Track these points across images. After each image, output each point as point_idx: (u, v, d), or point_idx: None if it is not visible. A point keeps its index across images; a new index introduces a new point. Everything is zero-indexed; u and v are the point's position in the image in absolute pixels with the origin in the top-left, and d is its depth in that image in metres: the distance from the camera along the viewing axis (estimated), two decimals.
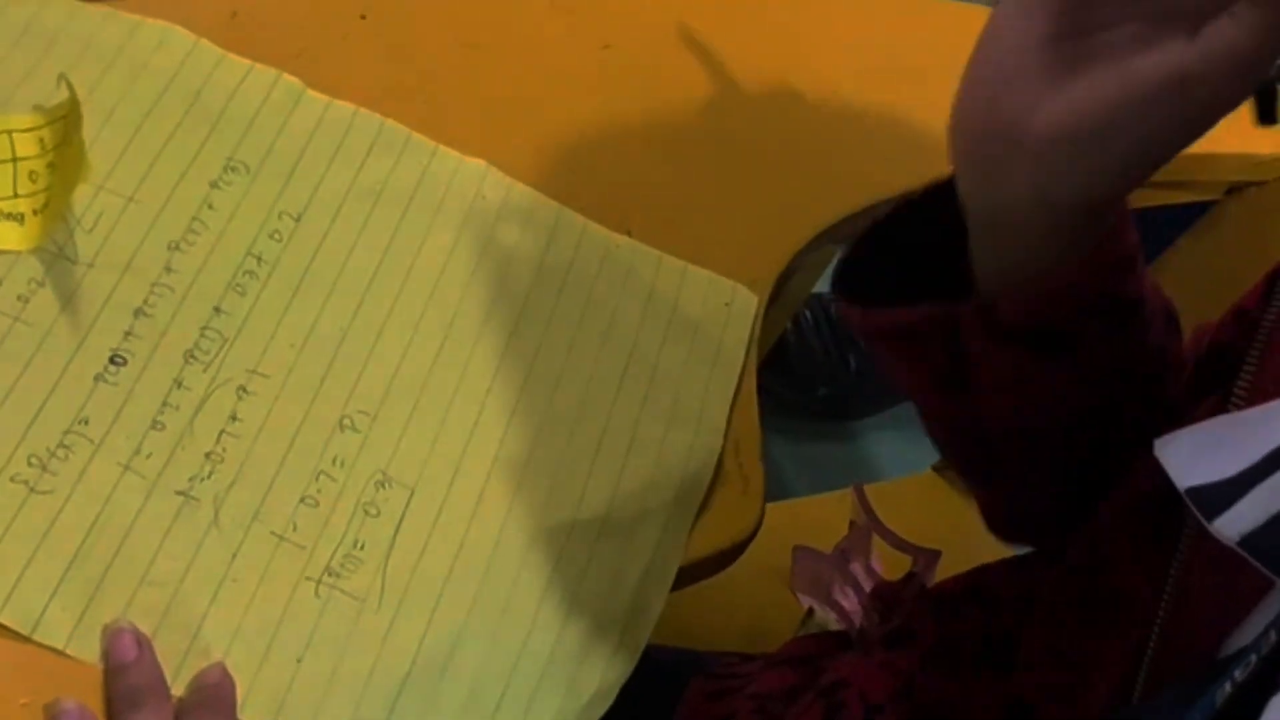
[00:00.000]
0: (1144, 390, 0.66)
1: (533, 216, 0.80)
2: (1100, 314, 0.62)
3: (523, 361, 0.75)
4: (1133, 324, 0.63)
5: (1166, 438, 0.49)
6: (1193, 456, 0.47)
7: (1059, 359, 0.62)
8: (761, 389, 0.80)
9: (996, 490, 0.74)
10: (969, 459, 0.73)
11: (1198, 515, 0.45)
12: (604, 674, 0.68)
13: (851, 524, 0.93)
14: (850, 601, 0.89)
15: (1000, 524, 0.76)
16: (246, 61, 0.79)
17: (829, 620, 1.00)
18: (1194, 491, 0.46)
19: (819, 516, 1.13)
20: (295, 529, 0.67)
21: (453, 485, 0.70)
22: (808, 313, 1.58)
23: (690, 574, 0.73)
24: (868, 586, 0.88)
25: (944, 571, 0.88)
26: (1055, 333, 0.61)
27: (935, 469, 1.16)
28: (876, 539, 0.89)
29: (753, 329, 0.81)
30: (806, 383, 1.59)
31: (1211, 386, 0.63)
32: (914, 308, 0.63)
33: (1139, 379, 0.66)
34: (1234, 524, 0.44)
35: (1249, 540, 0.44)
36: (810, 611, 1.01)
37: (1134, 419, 0.66)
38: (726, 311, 0.80)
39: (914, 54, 0.96)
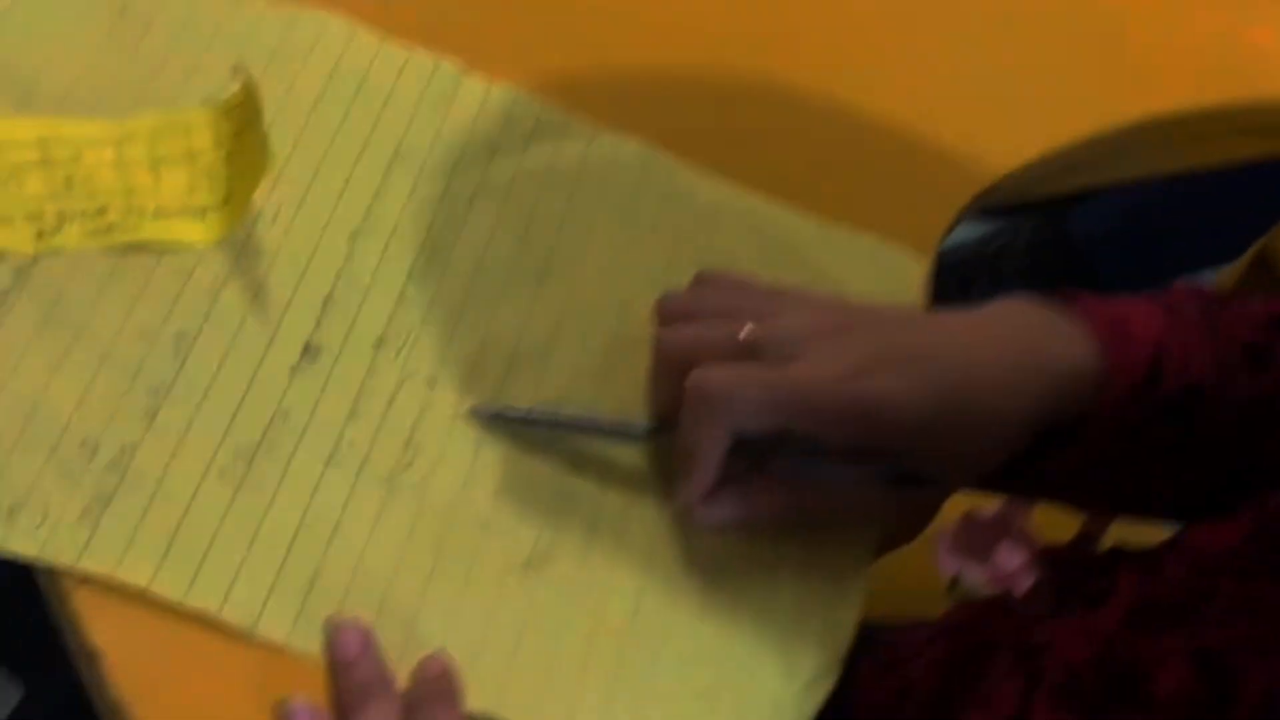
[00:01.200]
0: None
1: (694, 196, 0.79)
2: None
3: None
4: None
5: None
6: None
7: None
8: None
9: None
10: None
11: None
12: (821, 648, 0.68)
13: None
14: (1012, 565, 0.88)
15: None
16: (404, 49, 0.78)
17: (977, 585, 1.00)
18: None
19: None
20: (498, 516, 0.67)
21: (648, 464, 0.70)
22: None
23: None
24: (1029, 550, 0.87)
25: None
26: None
27: None
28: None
29: (923, 297, 0.80)
30: None
31: None
32: None
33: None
34: None
35: None
36: (955, 578, 1.01)
37: None
38: (891, 281, 0.79)
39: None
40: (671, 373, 0.66)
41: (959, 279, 1.59)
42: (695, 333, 0.67)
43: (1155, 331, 0.68)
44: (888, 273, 0.80)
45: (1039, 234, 1.58)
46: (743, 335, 0.65)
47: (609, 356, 0.72)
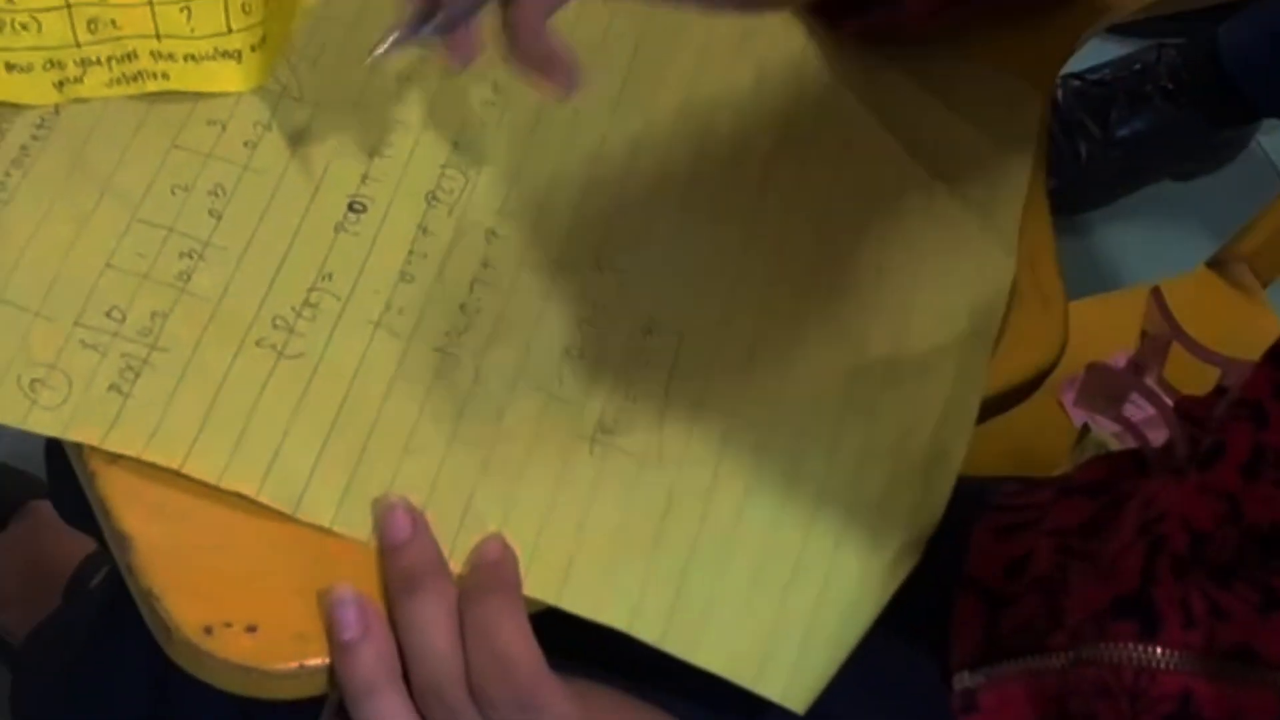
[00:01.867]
0: None
1: (790, 31, 0.71)
2: None
3: (787, 186, 0.67)
4: None
5: None
6: None
7: None
8: None
9: None
10: None
11: None
12: (907, 529, 0.62)
13: (1144, 334, 0.84)
14: (1146, 418, 0.81)
15: None
16: None
17: (1107, 438, 0.93)
18: None
19: (1076, 322, 1.05)
20: (562, 383, 0.61)
21: (725, 327, 0.64)
22: None
23: (990, 409, 0.66)
24: (1162, 401, 0.80)
25: None
26: None
27: (1211, 265, 1.06)
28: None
29: (1040, 127, 0.72)
30: None
31: None
32: None
33: None
34: None
35: None
36: (1085, 429, 0.94)
37: None
38: (1008, 114, 0.71)
39: None
40: None
41: (1099, 100, 1.49)
42: None
43: None
44: (1003, 103, 0.71)
45: (1185, 54, 1.48)
46: None
47: (688, 192, 0.66)
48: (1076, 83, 1.50)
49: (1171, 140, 1.50)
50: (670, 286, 0.64)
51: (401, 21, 0.56)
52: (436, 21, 0.55)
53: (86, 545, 1.15)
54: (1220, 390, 0.78)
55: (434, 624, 0.55)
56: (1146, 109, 1.49)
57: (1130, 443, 0.89)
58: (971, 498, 0.81)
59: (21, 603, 1.17)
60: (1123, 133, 1.49)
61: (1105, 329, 1.00)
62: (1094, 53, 1.49)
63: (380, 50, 0.56)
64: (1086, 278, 1.51)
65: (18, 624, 1.15)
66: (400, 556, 0.56)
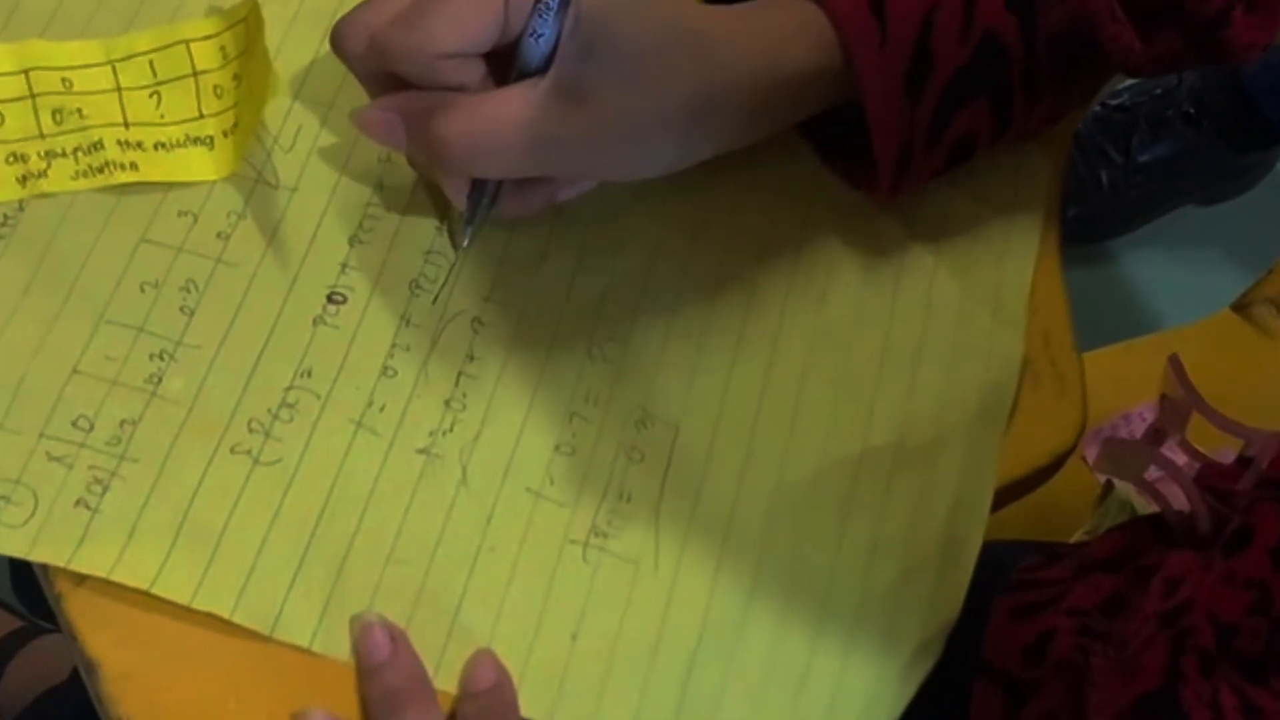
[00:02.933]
0: None
1: None
2: None
3: (784, 269, 0.64)
4: None
5: None
6: None
7: None
8: None
9: None
10: None
11: None
12: (924, 624, 0.59)
13: (1163, 398, 0.81)
14: (1162, 479, 0.78)
15: None
16: None
17: (1131, 494, 0.89)
18: None
19: (1100, 373, 1.01)
20: (552, 483, 0.58)
21: (721, 418, 0.61)
22: None
23: (1006, 495, 0.63)
24: (1185, 467, 0.76)
25: None
26: None
27: (1235, 309, 1.02)
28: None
29: (1050, 193, 0.69)
30: None
31: None
32: None
33: None
34: None
35: None
36: (1109, 485, 0.90)
37: None
38: (1014, 186, 0.68)
39: None
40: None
41: (1120, 126, 1.46)
42: None
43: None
44: (1010, 171, 0.68)
45: (1206, 78, 1.45)
46: None
47: (683, 279, 0.63)
48: (1097, 109, 1.47)
49: (1194, 165, 1.47)
50: (665, 376, 0.61)
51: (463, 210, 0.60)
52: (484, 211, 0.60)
53: None
54: (1244, 461, 0.74)
55: None
56: (1168, 134, 1.46)
57: (1155, 503, 0.86)
58: (988, 567, 0.78)
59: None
60: (1145, 159, 1.46)
61: (1130, 378, 0.97)
62: (1114, 78, 1.46)
63: (465, 244, 0.61)
64: (1110, 307, 1.48)
65: (23, 688, 1.12)
66: (380, 678, 0.53)
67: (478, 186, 0.59)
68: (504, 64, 0.57)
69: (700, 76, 0.58)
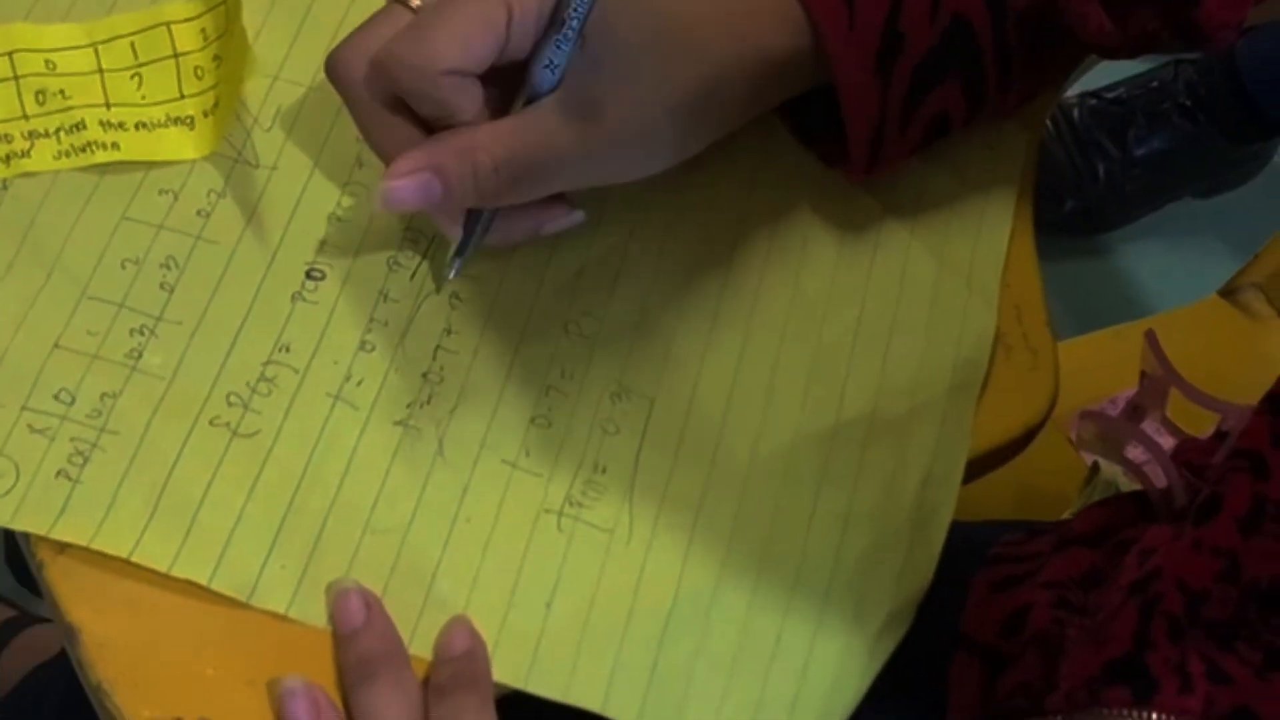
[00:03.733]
0: None
1: None
2: None
3: (760, 245, 0.65)
4: None
5: None
6: None
7: None
8: None
9: None
10: None
11: None
12: (894, 595, 0.60)
13: (1143, 375, 0.81)
14: (1147, 461, 0.78)
15: None
16: None
17: (1117, 475, 0.90)
18: None
19: (1091, 357, 1.02)
20: (528, 454, 0.59)
21: (696, 392, 0.61)
22: (1049, 121, 1.45)
23: (977, 468, 0.63)
24: (1166, 444, 0.77)
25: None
26: None
27: (1224, 294, 1.03)
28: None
29: (1025, 170, 0.69)
30: (1051, 196, 1.46)
31: None
32: None
33: None
34: None
35: None
36: (1095, 467, 0.91)
37: None
38: (991, 156, 0.68)
39: None
40: None
41: (1117, 119, 1.47)
42: None
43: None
44: (980, 144, 0.69)
45: (1202, 70, 1.45)
46: None
47: (661, 255, 0.64)
48: (1093, 101, 1.48)
49: (1191, 158, 1.47)
50: (641, 351, 0.62)
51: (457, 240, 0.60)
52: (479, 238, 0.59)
53: None
54: (1221, 435, 0.75)
55: (391, 715, 0.53)
56: (1165, 127, 1.46)
57: (1139, 482, 0.86)
58: (971, 546, 0.79)
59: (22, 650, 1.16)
60: (1141, 151, 1.47)
61: (1120, 361, 0.97)
62: (1110, 71, 1.46)
63: (452, 275, 0.60)
64: (1107, 300, 1.49)
65: (16, 668, 1.13)
66: (355, 644, 0.54)
67: (472, 218, 0.59)
68: (500, 85, 0.57)
69: (698, 67, 0.59)
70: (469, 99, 0.56)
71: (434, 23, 0.55)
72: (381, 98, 0.57)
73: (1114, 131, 1.47)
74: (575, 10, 0.54)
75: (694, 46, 0.59)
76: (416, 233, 0.62)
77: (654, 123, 0.58)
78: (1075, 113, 1.46)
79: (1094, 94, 1.49)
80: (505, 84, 0.57)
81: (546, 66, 0.55)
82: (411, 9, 0.57)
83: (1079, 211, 1.48)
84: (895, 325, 0.64)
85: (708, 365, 0.62)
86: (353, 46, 0.57)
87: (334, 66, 0.58)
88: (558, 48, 0.55)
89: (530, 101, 0.56)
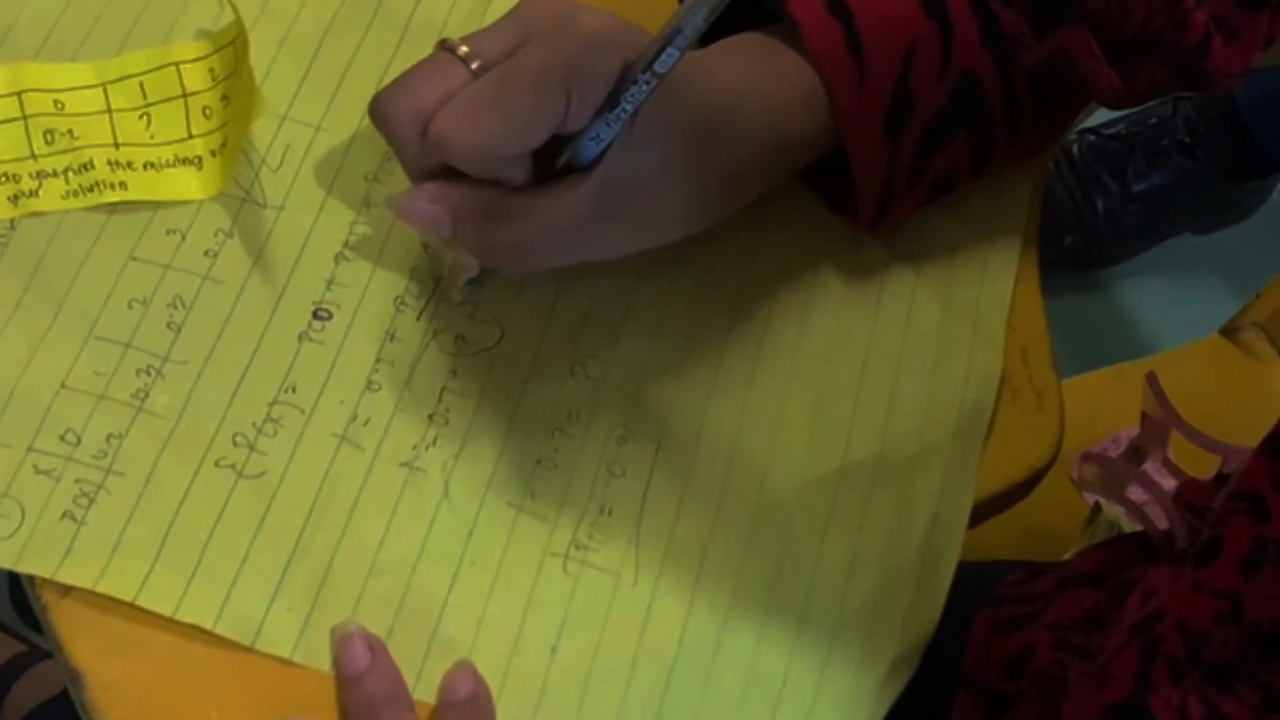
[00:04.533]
0: None
1: None
2: None
3: (766, 287, 0.65)
4: None
5: None
6: None
7: None
8: None
9: None
10: None
11: None
12: (901, 638, 0.60)
13: (1144, 416, 0.82)
14: (1149, 502, 0.78)
15: None
16: None
17: (1119, 516, 0.90)
18: None
19: (1091, 396, 1.02)
20: (533, 497, 0.59)
21: (701, 435, 0.61)
22: None
23: (983, 511, 0.64)
24: (1167, 485, 0.77)
25: None
26: None
27: (1225, 333, 1.03)
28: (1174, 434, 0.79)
29: (1030, 213, 0.70)
30: (1051, 231, 1.47)
31: None
32: None
33: None
34: None
35: None
36: (1097, 507, 0.91)
37: None
38: (995, 203, 0.69)
39: None
40: None
41: (1116, 155, 1.47)
42: None
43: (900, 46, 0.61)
44: (990, 190, 0.69)
45: (1200, 107, 1.45)
46: None
47: (667, 298, 0.64)
48: (1092, 138, 1.48)
49: (1190, 194, 1.48)
50: (646, 393, 0.62)
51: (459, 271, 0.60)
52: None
53: None
54: (1222, 477, 0.75)
55: None
56: (1164, 163, 1.47)
57: (1140, 523, 0.86)
58: (974, 585, 0.79)
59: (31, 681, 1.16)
60: (1140, 187, 1.47)
61: (1120, 400, 0.98)
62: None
63: (461, 300, 0.61)
64: (1106, 336, 1.49)
65: (22, 706, 1.13)
66: (359, 687, 0.54)
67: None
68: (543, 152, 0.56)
69: (732, 154, 0.60)
70: (518, 171, 0.56)
71: (492, 108, 0.54)
72: (429, 154, 0.56)
73: (1113, 168, 1.47)
74: (631, 97, 0.54)
75: (733, 136, 0.59)
76: (423, 273, 0.62)
77: (684, 206, 0.59)
78: (1075, 149, 1.47)
79: (1093, 130, 1.49)
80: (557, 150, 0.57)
81: (592, 139, 0.55)
82: (459, 57, 0.56)
83: (1078, 247, 1.48)
84: (901, 368, 0.64)
85: (713, 408, 0.62)
86: (402, 96, 0.56)
87: (381, 116, 0.56)
88: (607, 125, 0.54)
89: (567, 165, 0.56)
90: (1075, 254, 1.49)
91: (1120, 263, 1.52)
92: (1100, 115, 1.48)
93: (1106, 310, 1.52)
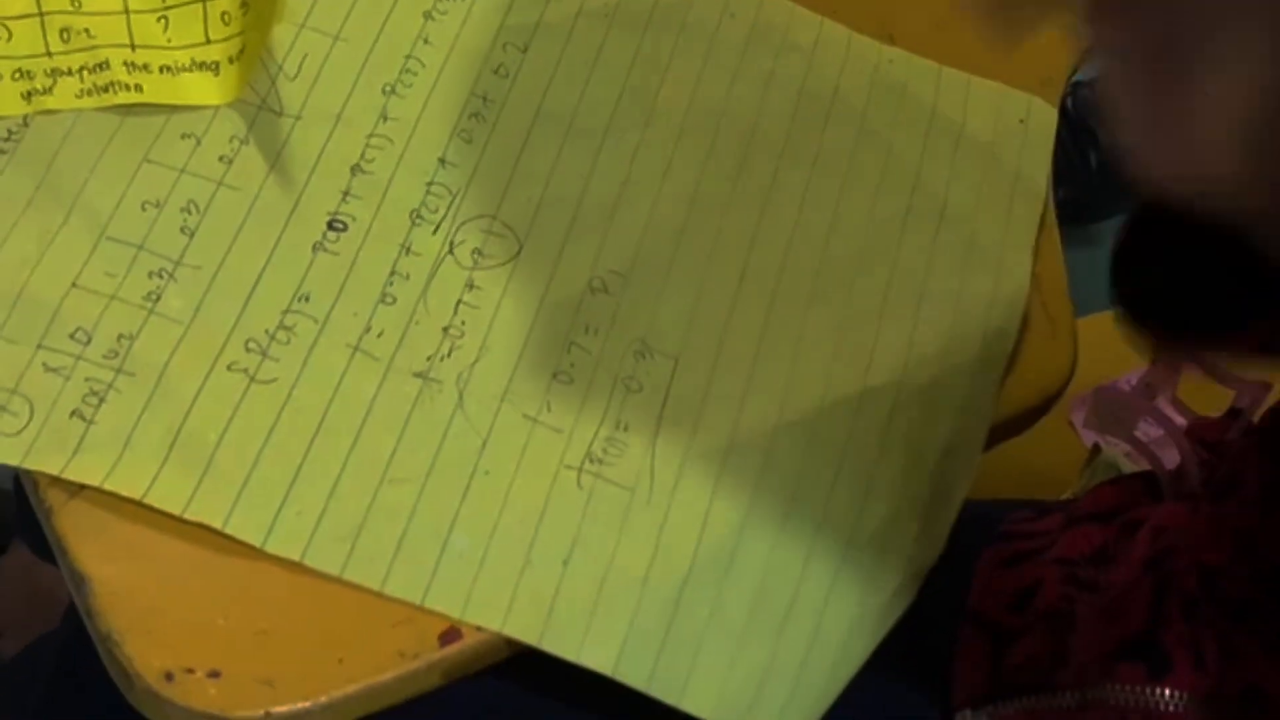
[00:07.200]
0: None
1: (789, 34, 0.68)
2: None
3: (789, 207, 0.64)
4: None
5: None
6: None
7: None
8: None
9: None
10: None
11: None
12: (907, 564, 0.59)
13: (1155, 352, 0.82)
14: (1158, 440, 0.78)
15: None
16: None
17: (1119, 458, 0.90)
18: None
19: (1089, 339, 1.02)
20: (549, 410, 0.58)
21: (721, 352, 0.61)
22: None
23: (995, 435, 0.63)
24: (1178, 422, 0.77)
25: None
26: None
27: None
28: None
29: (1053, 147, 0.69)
30: None
31: None
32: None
33: None
34: None
35: None
36: (1096, 449, 0.91)
37: None
38: (1022, 130, 0.68)
39: None
40: None
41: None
42: None
43: None
44: (1013, 118, 0.69)
45: None
46: None
47: (689, 213, 0.63)
48: (1087, 90, 1.47)
49: None
50: (666, 309, 0.61)
51: None
52: None
53: None
54: (1234, 412, 0.75)
55: None
56: None
57: (1143, 464, 0.86)
58: (977, 524, 0.78)
59: (23, 627, 1.15)
60: None
61: (1119, 344, 0.97)
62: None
63: None
64: (1099, 289, 1.48)
65: (15, 650, 1.12)
66: None
67: None
68: None
69: None
70: None
71: None
72: None
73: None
74: None
75: None
76: (441, 187, 0.61)
77: None
78: (1068, 101, 1.46)
79: (1088, 83, 1.48)
80: None
81: None
82: None
83: (1071, 200, 1.48)
84: (926, 290, 0.64)
85: (733, 325, 0.61)
86: None
87: None
88: None
89: None
90: (1070, 209, 1.49)
91: (1114, 216, 1.52)
92: (1094, 67, 1.48)
93: (1100, 263, 1.51)
